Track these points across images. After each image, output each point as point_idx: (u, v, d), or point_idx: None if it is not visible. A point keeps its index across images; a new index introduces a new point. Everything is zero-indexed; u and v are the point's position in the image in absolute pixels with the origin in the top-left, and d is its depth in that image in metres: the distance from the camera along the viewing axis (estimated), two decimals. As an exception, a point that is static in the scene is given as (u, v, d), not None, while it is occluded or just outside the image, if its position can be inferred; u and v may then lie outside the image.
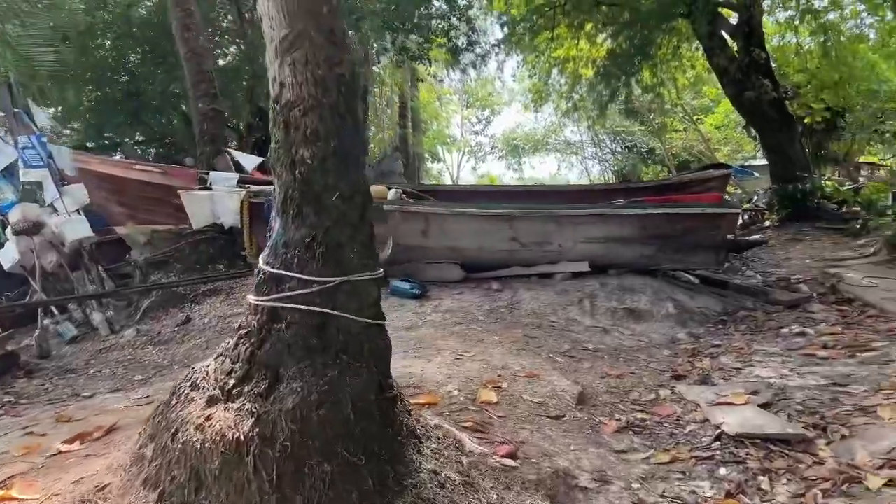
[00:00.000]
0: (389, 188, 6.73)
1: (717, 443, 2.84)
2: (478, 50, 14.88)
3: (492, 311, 5.44)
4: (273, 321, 2.06)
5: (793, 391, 3.31)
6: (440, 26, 12.91)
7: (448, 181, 34.78)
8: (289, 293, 2.03)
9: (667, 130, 22.72)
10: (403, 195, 6.67)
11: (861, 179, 17.88)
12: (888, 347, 3.89)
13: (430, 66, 15.75)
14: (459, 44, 14.13)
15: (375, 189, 6.76)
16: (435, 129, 31.70)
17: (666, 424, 3.16)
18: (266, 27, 2.12)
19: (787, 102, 11.74)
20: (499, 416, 2.93)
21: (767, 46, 11.98)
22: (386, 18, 11.60)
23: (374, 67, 22.20)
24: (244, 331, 2.11)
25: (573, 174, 33.73)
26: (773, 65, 12.15)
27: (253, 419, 1.89)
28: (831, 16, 12.33)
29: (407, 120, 25.32)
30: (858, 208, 10.10)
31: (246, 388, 1.98)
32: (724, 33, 11.90)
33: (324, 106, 2.07)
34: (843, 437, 2.73)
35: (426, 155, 31.71)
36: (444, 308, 5.51)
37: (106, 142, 13.00)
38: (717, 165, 10.47)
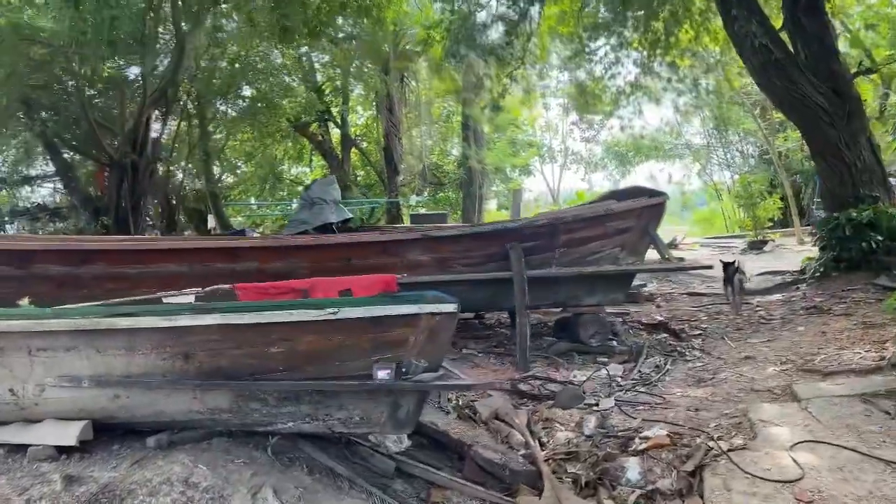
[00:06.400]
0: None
1: None
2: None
3: None
4: None
5: None
6: None
7: (548, 198, 31.49)
8: None
9: (781, 130, 17.46)
10: None
11: None
12: None
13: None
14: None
15: None
16: (525, 139, 28.42)
17: None
18: None
19: (853, 82, 7.38)
20: None
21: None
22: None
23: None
24: None
25: (697, 183, 28.67)
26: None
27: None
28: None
29: (470, 132, 22.67)
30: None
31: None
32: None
33: None
34: None
35: (516, 170, 28.74)
36: None
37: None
38: (639, 191, 6.07)
